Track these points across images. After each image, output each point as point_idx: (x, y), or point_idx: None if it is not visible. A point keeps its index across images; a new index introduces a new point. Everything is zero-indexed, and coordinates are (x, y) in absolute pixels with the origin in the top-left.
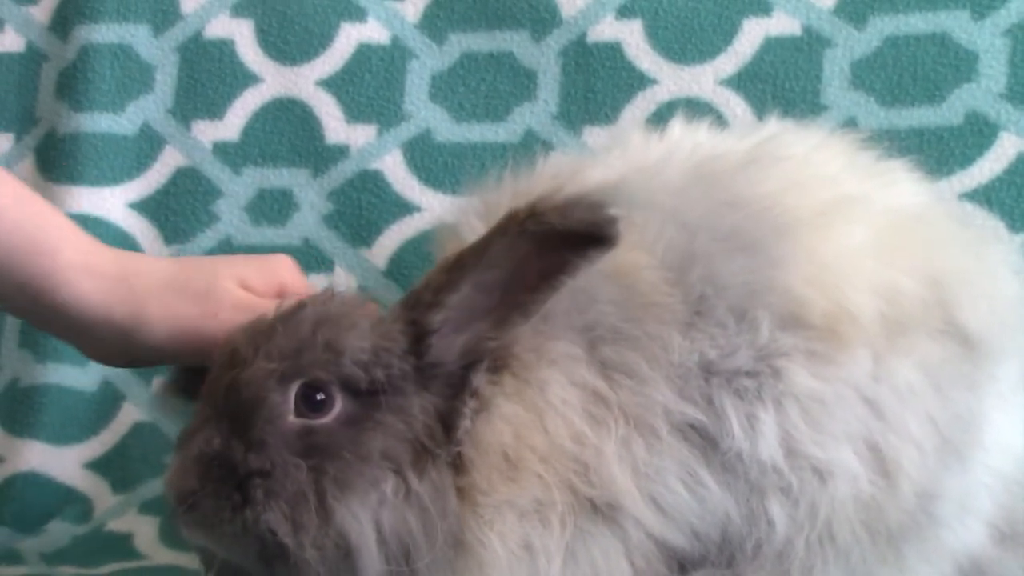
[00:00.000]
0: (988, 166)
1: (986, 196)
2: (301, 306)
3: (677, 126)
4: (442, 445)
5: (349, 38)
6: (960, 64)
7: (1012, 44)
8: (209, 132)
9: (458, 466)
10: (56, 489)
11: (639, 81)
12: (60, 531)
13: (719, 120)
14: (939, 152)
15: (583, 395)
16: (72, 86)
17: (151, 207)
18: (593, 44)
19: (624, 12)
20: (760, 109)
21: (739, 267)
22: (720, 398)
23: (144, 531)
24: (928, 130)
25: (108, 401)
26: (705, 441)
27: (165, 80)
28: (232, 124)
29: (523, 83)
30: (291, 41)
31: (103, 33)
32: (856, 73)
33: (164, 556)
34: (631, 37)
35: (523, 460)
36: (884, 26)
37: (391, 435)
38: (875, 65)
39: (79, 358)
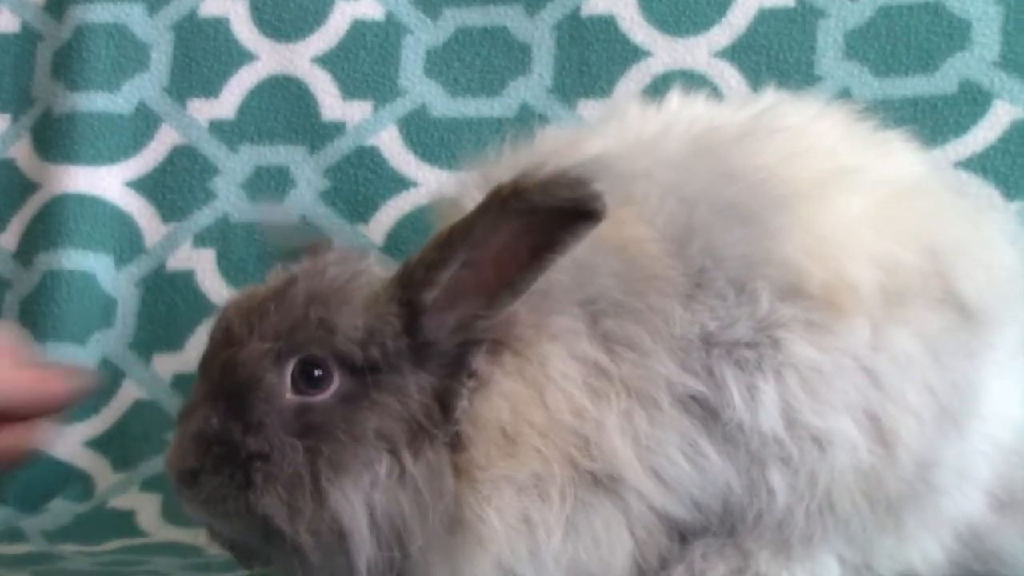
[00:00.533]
0: (982, 134)
1: (981, 164)
2: (293, 281)
3: (674, 98)
4: (439, 425)
5: (344, 14)
6: (953, 33)
7: (1005, 12)
8: (205, 110)
9: (456, 444)
10: (57, 468)
11: (633, 54)
12: (62, 509)
13: (714, 92)
14: (933, 121)
15: (584, 369)
16: (68, 66)
17: (148, 185)
18: (587, 17)
19: None
20: (755, 81)
21: (738, 239)
22: (721, 369)
23: (146, 508)
24: (922, 99)
25: (108, 379)
26: (706, 412)
27: (160, 59)
28: (228, 102)
29: (518, 57)
30: (285, 18)
31: (98, 12)
32: (850, 43)
33: (167, 533)
34: (625, 10)
35: (521, 435)
36: None
37: (386, 415)
38: (868, 35)
39: (79, 336)
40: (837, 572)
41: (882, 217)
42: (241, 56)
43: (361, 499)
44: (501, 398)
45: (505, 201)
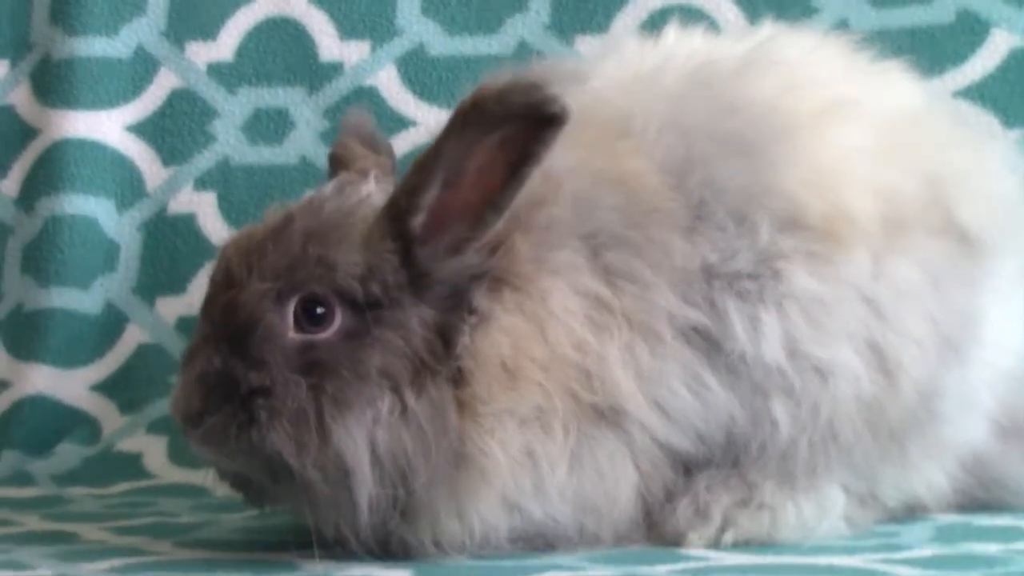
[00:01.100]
0: (981, 63)
1: (979, 93)
2: (289, 219)
3: (672, 33)
4: (442, 360)
5: None
6: None
7: None
8: (203, 53)
9: (458, 379)
10: (64, 412)
11: None
12: (70, 453)
13: (711, 26)
14: (931, 51)
15: (586, 302)
16: (65, 11)
17: (148, 129)
18: None
19: None
20: (752, 14)
21: (737, 171)
22: (723, 301)
23: (153, 451)
24: (920, 29)
25: (112, 323)
26: (708, 344)
27: (157, 2)
28: (225, 44)
29: None
30: None
31: None
32: None
33: (174, 475)
34: None
35: (522, 369)
36: None
37: (389, 351)
38: None
39: (82, 281)
40: (842, 501)
41: (881, 147)
42: None
43: (364, 436)
44: (501, 333)
45: (466, 115)
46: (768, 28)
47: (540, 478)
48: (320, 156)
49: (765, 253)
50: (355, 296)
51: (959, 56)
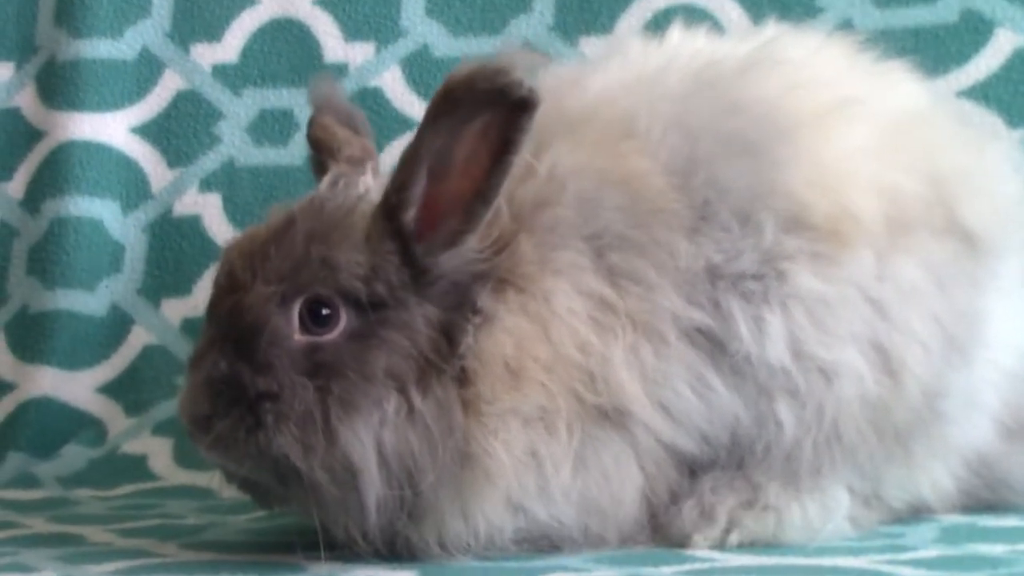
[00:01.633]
0: (984, 63)
1: (983, 93)
2: (291, 220)
3: (676, 33)
4: (447, 359)
5: None
6: None
7: None
8: (208, 55)
9: (462, 379)
10: (70, 413)
11: None
12: (75, 455)
13: (715, 26)
14: (935, 51)
15: (590, 303)
16: (70, 13)
17: (153, 131)
18: None
19: None
20: (756, 14)
21: (741, 171)
22: (727, 301)
23: (159, 452)
24: (924, 29)
25: (117, 325)
26: (713, 345)
27: (162, 4)
28: (231, 46)
29: None
30: None
31: None
32: None
33: (180, 476)
34: None
35: (525, 369)
36: None
37: (395, 352)
38: None
39: (88, 283)
40: (847, 502)
41: (885, 147)
42: (243, 0)
43: (371, 437)
44: (504, 334)
45: (438, 105)
46: (772, 28)
47: (544, 479)
48: None
49: (769, 253)
50: (359, 296)
51: (963, 56)
